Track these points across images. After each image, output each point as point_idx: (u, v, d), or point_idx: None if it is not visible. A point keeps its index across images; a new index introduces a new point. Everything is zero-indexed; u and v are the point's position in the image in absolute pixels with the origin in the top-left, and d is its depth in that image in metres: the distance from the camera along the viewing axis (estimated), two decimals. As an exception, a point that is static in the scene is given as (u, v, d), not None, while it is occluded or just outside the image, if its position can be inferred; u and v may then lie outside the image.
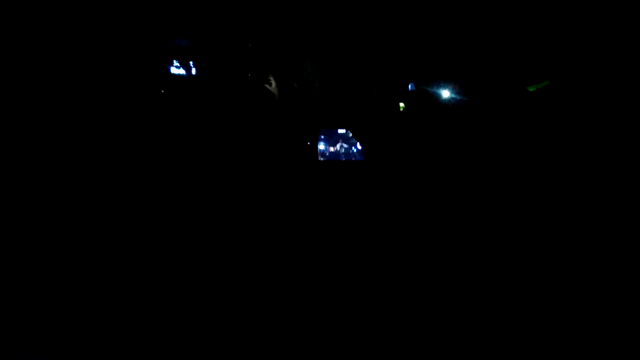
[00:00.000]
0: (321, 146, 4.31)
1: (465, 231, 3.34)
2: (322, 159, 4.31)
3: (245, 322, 2.23)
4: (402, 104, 4.22)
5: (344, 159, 4.36)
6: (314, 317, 2.25)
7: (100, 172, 2.94)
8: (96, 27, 2.86)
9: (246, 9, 3.33)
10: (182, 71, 3.07)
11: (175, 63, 3.02)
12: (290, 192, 4.04)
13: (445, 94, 3.97)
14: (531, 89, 3.63)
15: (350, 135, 4.35)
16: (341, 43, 3.93)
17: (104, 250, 2.58)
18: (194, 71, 3.10)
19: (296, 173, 4.16)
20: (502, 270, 2.69)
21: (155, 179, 3.25)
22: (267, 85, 3.26)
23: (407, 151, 4.22)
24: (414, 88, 3.94)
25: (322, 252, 3.24)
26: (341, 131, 4.36)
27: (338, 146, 4.36)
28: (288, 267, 2.91)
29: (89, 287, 2.37)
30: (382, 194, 4.13)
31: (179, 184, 3.41)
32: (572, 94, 3.27)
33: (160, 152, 3.27)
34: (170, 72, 3.01)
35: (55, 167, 2.80)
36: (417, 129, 4.14)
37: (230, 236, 3.21)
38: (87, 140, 2.94)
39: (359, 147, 4.35)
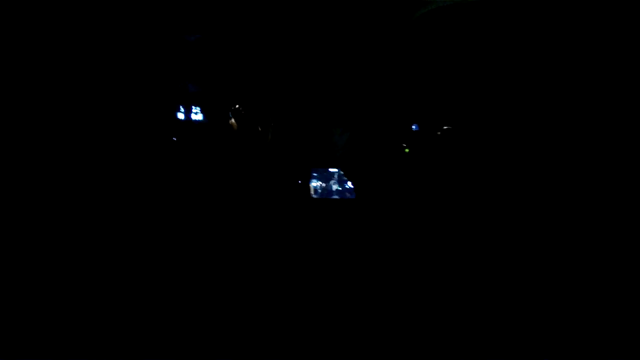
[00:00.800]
0: (314, 184, 4.48)
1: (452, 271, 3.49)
2: (315, 196, 4.47)
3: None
4: (406, 148, 4.42)
5: (335, 197, 4.53)
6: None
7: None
8: (109, 72, 2.98)
9: (246, 51, 3.50)
10: (196, 116, 3.20)
11: (182, 109, 3.16)
12: (283, 228, 4.16)
13: (445, 134, 4.10)
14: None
15: (342, 173, 4.53)
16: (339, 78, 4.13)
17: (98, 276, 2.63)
18: (200, 116, 3.24)
19: (289, 210, 4.29)
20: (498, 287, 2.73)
21: (154, 221, 3.32)
22: (259, 127, 3.41)
23: (400, 191, 4.43)
24: (418, 128, 4.10)
25: (311, 290, 3.32)
26: (333, 170, 4.54)
27: (330, 184, 4.54)
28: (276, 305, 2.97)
29: (89, 288, 2.46)
30: (371, 232, 4.30)
31: (174, 221, 3.49)
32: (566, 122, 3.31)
33: (163, 196, 3.36)
34: (177, 117, 3.13)
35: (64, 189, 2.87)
36: (410, 169, 4.35)
37: (222, 275, 3.28)
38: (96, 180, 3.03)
39: (351, 185, 4.53)
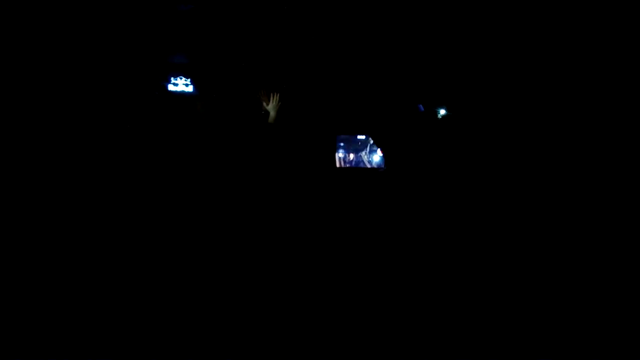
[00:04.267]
0: (340, 153, 4.17)
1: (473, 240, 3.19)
2: (340, 166, 4.16)
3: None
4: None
5: (363, 166, 4.16)
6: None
7: (100, 183, 3.14)
8: (95, 45, 3.07)
9: (245, 22, 3.34)
10: (182, 88, 3.21)
11: (174, 80, 3.17)
12: (307, 201, 3.99)
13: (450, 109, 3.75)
14: None
15: (371, 141, 4.12)
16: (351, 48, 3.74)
17: (100, 260, 2.75)
18: (191, 88, 3.22)
19: (312, 182, 4.08)
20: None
21: (161, 197, 3.42)
22: (264, 104, 3.21)
23: (431, 160, 3.86)
24: (423, 109, 3.67)
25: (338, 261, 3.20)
26: (360, 137, 4.16)
27: (357, 153, 4.18)
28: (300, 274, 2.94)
29: (89, 288, 2.49)
30: (403, 204, 3.86)
31: (188, 196, 3.57)
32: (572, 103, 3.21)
33: (166, 168, 3.41)
34: (168, 90, 3.16)
35: (55, 175, 3.00)
36: (437, 137, 3.79)
37: (243, 250, 3.25)
38: (88, 152, 3.14)
39: (380, 154, 4.10)
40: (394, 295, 2.59)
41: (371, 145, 4.15)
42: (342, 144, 4.18)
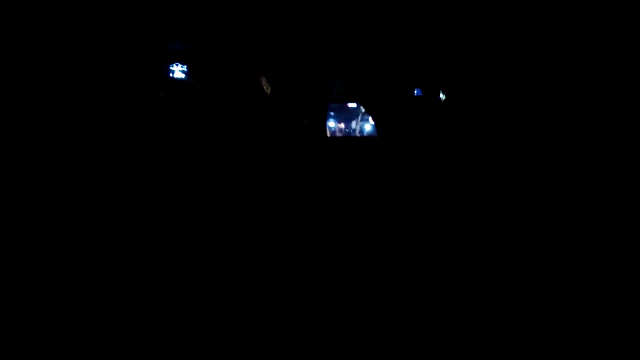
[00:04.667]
0: (330, 123, 4.08)
1: (469, 227, 3.14)
2: (332, 135, 4.10)
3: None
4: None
5: (354, 135, 4.11)
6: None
7: (100, 172, 3.07)
8: (95, 33, 2.90)
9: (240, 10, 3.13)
10: (179, 75, 3.05)
11: (172, 67, 3.01)
12: (297, 174, 3.93)
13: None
14: None
15: (363, 110, 4.03)
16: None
17: (103, 249, 2.71)
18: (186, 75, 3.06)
19: (302, 152, 4.01)
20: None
21: (156, 176, 3.33)
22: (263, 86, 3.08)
23: (424, 129, 3.81)
24: (420, 93, 3.58)
25: (329, 245, 3.18)
26: (351, 105, 4.06)
27: (348, 122, 4.10)
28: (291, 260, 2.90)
29: (88, 287, 2.52)
30: (397, 176, 3.84)
31: (182, 179, 3.48)
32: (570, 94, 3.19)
33: (162, 150, 3.32)
34: (169, 76, 3.02)
35: (55, 166, 2.94)
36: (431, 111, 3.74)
37: (232, 230, 3.22)
38: (86, 141, 3.06)
39: (372, 122, 4.03)
40: (387, 273, 2.58)
41: (363, 114, 4.06)
42: (332, 113, 4.07)
